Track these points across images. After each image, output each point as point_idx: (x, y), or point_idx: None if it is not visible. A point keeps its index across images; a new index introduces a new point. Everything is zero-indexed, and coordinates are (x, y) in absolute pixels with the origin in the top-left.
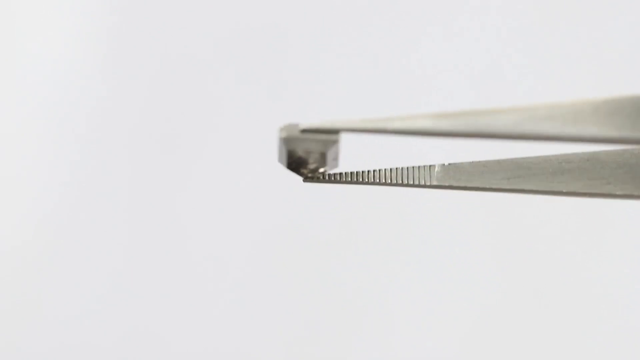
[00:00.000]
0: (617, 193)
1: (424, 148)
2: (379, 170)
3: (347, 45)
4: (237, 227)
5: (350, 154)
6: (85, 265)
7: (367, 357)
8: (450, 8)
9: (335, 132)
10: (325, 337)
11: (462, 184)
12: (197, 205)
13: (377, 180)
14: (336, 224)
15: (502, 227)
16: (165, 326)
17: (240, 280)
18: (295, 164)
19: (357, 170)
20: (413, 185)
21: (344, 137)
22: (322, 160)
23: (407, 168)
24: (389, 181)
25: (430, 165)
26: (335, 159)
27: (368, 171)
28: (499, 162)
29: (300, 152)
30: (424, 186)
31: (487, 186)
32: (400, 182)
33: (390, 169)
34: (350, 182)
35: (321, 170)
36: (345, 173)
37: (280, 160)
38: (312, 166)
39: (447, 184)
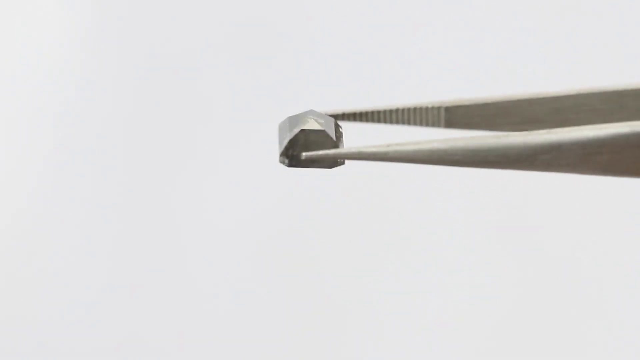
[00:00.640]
0: None
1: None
2: (386, 112)
3: (345, 44)
4: (234, 226)
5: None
6: (86, 265)
7: (365, 357)
8: (450, 8)
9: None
10: (323, 337)
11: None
12: (193, 205)
13: (385, 120)
14: (334, 223)
15: (500, 227)
16: (165, 326)
17: (237, 280)
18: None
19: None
20: (421, 125)
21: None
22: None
23: (416, 108)
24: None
25: (438, 107)
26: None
27: (379, 112)
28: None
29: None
30: (432, 126)
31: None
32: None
33: (397, 109)
34: (355, 120)
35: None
36: (348, 114)
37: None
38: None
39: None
